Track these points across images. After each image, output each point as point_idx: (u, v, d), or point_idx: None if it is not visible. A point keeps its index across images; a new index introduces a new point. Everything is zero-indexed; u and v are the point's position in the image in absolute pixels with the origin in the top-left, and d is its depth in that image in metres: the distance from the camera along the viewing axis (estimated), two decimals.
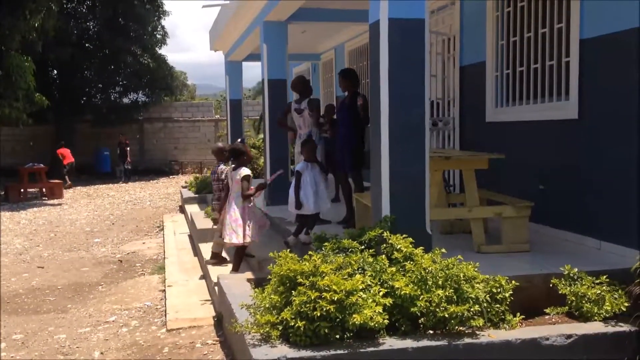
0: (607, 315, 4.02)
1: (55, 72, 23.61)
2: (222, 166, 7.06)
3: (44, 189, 17.58)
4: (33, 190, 17.85)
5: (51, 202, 16.46)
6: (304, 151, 6.30)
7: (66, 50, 20.82)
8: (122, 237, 10.71)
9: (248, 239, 5.89)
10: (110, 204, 15.67)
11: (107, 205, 15.41)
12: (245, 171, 5.95)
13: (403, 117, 4.52)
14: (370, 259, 4.15)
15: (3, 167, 22.01)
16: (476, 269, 4.04)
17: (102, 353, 4.84)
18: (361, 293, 3.76)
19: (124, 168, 22.15)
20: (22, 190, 17.22)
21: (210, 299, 6.03)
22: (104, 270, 8.09)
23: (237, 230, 5.84)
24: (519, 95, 6.61)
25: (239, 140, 7.20)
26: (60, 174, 19.75)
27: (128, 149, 22.32)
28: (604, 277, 4.22)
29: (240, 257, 6.07)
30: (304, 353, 3.55)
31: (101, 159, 23.47)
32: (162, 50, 24.96)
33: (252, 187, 6.00)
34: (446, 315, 3.72)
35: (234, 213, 5.88)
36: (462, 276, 3.90)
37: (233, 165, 6.13)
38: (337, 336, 3.66)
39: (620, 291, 4.15)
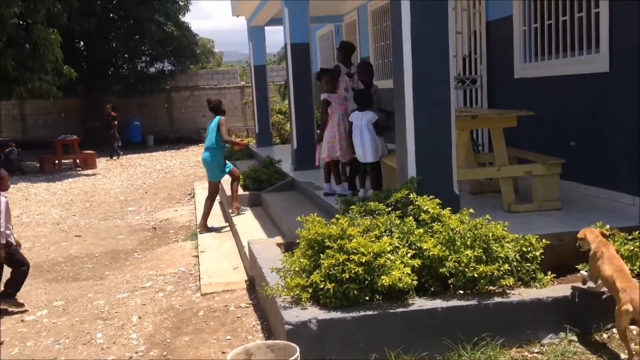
0: None
1: (82, 43, 23.79)
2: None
3: (77, 160, 17.97)
4: (67, 161, 18.24)
5: (85, 172, 16.81)
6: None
7: (91, 21, 20.91)
8: (155, 205, 10.92)
9: None
10: (142, 172, 15.93)
11: (139, 174, 15.67)
12: None
13: (426, 75, 4.45)
14: (397, 221, 4.16)
15: (35, 140, 22.51)
16: (505, 228, 4.03)
17: (140, 317, 5.01)
18: (389, 255, 3.79)
19: (112, 143, 19.72)
20: (56, 161, 17.62)
21: (242, 263, 6.15)
22: (139, 237, 8.29)
23: None
24: (548, 49, 6.43)
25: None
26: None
27: (116, 122, 19.66)
28: (637, 232, 4.16)
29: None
30: (334, 314, 3.62)
31: (131, 128, 23.75)
32: (185, 18, 24.91)
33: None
34: (475, 275, 3.74)
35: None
36: (490, 236, 3.90)
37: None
38: (367, 297, 3.72)
39: None
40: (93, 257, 7.32)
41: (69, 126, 22.93)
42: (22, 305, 5.42)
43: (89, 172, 16.81)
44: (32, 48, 15.88)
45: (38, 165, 17.64)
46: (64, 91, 18.23)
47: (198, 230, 7.85)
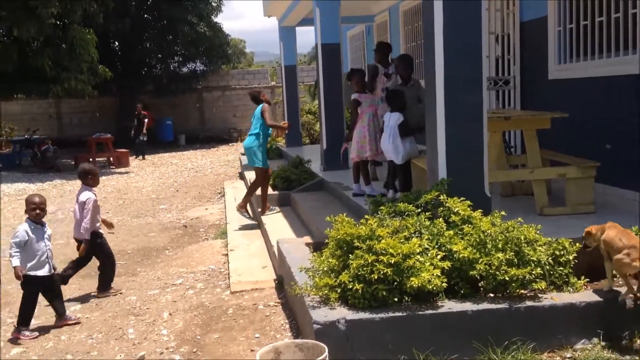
0: None
1: (117, 44, 24.21)
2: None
3: (111, 158, 18.32)
4: (101, 159, 18.60)
5: (118, 170, 17.11)
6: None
7: (126, 21, 21.27)
8: (186, 203, 11.06)
9: None
10: (173, 171, 16.14)
11: (170, 172, 15.88)
12: None
13: (459, 75, 4.41)
14: (427, 222, 4.13)
15: (71, 138, 23.02)
16: (538, 232, 3.98)
17: (170, 314, 5.08)
18: (418, 256, 3.77)
19: (140, 142, 19.70)
20: (90, 159, 17.95)
21: (270, 262, 6.18)
22: (170, 235, 8.40)
23: None
24: (583, 50, 6.32)
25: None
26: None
27: (146, 120, 19.71)
28: None
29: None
30: (363, 315, 3.62)
31: (164, 127, 24.10)
32: (218, 19, 25.15)
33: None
34: (507, 279, 3.70)
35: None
36: (522, 239, 3.85)
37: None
38: (396, 299, 3.71)
39: None
40: (125, 254, 7.44)
41: (103, 125, 23.36)
42: (118, 291, 5.85)
43: (122, 170, 17.11)
44: (68, 48, 16.25)
45: (73, 163, 18.02)
46: (99, 90, 18.58)
47: (236, 209, 8.25)
